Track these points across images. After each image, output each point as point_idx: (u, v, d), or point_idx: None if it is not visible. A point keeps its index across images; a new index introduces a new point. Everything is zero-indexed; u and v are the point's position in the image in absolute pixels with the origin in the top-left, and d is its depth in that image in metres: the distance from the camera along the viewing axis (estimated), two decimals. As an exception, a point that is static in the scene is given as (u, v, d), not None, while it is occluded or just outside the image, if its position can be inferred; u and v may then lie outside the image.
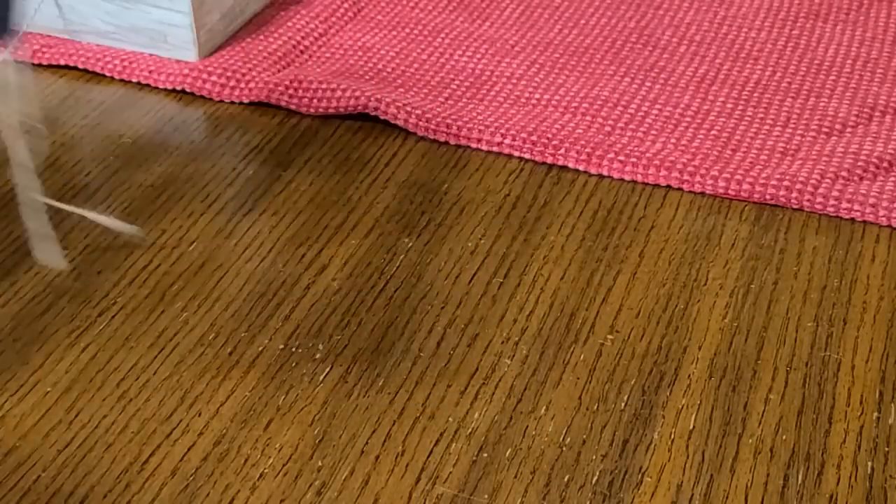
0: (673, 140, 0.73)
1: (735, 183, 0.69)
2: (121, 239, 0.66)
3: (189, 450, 0.53)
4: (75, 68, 0.82)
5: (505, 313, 0.61)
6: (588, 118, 0.76)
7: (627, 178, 0.71)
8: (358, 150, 0.73)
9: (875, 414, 0.55)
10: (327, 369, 0.57)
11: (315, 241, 0.66)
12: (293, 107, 0.78)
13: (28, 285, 0.62)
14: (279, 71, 0.80)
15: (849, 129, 0.75)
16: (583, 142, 0.73)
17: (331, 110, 0.77)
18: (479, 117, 0.75)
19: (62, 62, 0.82)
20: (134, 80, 0.81)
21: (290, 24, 0.85)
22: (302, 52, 0.83)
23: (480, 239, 0.66)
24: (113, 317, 0.60)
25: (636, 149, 0.72)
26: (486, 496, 0.50)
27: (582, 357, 0.58)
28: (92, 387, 0.57)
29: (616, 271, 0.64)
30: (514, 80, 0.80)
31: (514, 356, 0.57)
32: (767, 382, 0.56)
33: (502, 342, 0.59)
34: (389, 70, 0.81)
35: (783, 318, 0.60)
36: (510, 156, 0.73)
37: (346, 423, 0.54)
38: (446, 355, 0.58)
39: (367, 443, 0.53)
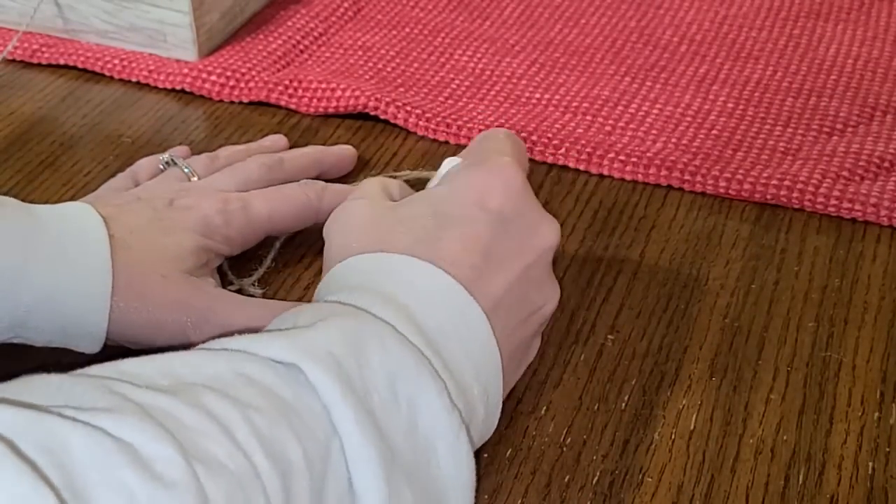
0: (674, 140, 0.73)
1: (736, 183, 0.69)
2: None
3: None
4: (74, 68, 0.82)
5: (505, 313, 0.60)
6: (588, 118, 0.75)
7: (628, 177, 0.71)
8: (358, 150, 0.73)
9: (876, 414, 0.55)
10: (327, 369, 0.57)
11: (315, 242, 0.65)
12: (293, 106, 0.77)
13: (27, 285, 0.62)
14: (279, 70, 0.80)
15: (850, 129, 0.75)
16: (583, 141, 0.73)
17: (331, 110, 0.77)
18: (480, 117, 0.75)
19: (61, 62, 0.82)
20: (133, 79, 0.80)
21: (290, 23, 0.85)
22: (302, 51, 0.83)
23: (480, 239, 0.66)
24: (112, 317, 0.60)
25: (637, 148, 0.72)
26: (486, 496, 0.50)
27: (582, 357, 0.58)
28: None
29: (616, 271, 0.64)
30: (515, 80, 0.80)
31: (514, 356, 0.57)
32: (768, 383, 0.56)
33: (502, 342, 0.59)
34: (389, 70, 0.81)
35: (784, 318, 0.60)
36: (510, 155, 0.73)
37: (345, 423, 0.54)
38: (446, 355, 0.58)
39: (366, 443, 0.53)
